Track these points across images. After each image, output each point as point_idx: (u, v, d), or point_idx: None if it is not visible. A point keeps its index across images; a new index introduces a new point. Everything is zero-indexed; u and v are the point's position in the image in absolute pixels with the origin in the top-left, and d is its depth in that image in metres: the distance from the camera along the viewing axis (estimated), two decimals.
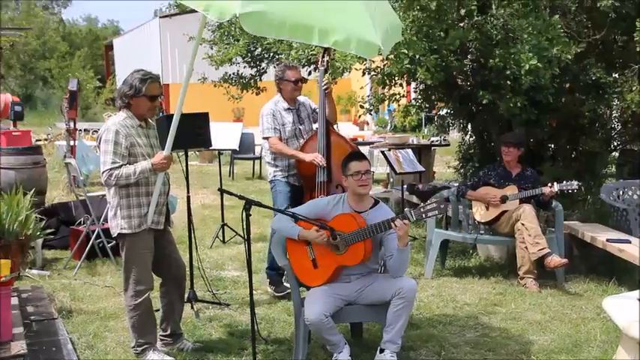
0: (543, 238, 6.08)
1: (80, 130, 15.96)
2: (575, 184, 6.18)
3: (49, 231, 7.10)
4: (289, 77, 5.88)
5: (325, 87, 5.76)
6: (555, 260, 5.96)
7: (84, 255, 6.95)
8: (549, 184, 6.23)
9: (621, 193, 7.21)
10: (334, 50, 6.37)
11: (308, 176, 5.77)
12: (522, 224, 6.12)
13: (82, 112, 26.01)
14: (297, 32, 3.59)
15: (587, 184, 7.78)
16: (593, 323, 5.21)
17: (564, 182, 6.20)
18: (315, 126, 5.96)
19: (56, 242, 7.71)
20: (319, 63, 5.90)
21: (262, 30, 3.55)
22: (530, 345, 4.83)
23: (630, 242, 6.02)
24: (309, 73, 8.45)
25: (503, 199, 6.36)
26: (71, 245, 7.41)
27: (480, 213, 6.55)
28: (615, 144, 8.15)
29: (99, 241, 7.04)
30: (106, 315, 5.52)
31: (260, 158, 13.87)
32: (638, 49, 6.34)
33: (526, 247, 6.10)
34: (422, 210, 4.27)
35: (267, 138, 5.90)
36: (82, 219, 7.42)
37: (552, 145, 7.89)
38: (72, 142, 11.54)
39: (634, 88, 6.52)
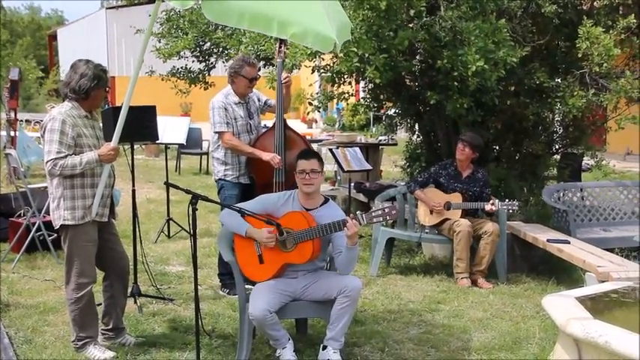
0: (464, 262, 6.28)
1: (21, 120, 15.55)
2: (516, 204, 6.29)
3: None
4: (246, 74, 5.71)
5: (285, 80, 5.69)
6: (461, 282, 6.26)
7: (23, 248, 6.79)
8: (491, 202, 6.31)
9: (562, 195, 7.41)
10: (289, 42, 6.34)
11: (261, 175, 5.68)
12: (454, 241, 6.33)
13: (23, 102, 25.35)
14: (257, 22, 3.70)
15: (530, 185, 7.96)
16: (533, 321, 5.33)
17: (506, 201, 6.31)
18: (268, 122, 5.86)
19: None
20: (276, 55, 5.81)
21: (223, 18, 3.67)
22: (472, 342, 4.91)
23: (569, 243, 6.18)
24: (259, 69, 8.41)
25: (447, 207, 6.45)
26: (10, 237, 7.22)
27: (424, 217, 6.62)
28: (557, 147, 8.34)
29: (39, 233, 6.88)
30: (46, 309, 5.40)
31: (207, 154, 13.74)
32: (579, 55, 6.51)
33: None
34: (373, 214, 4.30)
35: (219, 133, 5.70)
36: (22, 211, 7.24)
37: (497, 147, 8.04)
38: (12, 133, 11.24)
39: (575, 93, 6.68)
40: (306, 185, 4.43)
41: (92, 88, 4.35)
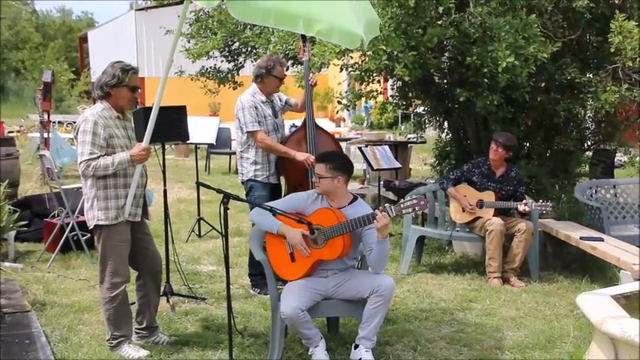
0: (497, 262, 6.21)
1: (54, 122, 15.79)
2: (549, 205, 6.21)
3: (22, 223, 7.05)
4: (279, 74, 5.72)
5: (311, 80, 5.70)
6: (492, 282, 6.20)
7: (58, 248, 6.88)
8: (524, 202, 6.24)
9: (594, 191, 7.32)
10: (311, 39, 6.34)
11: (293, 175, 5.69)
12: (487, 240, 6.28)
13: (55, 104, 25.71)
14: (282, 20, 3.70)
15: (562, 182, 7.87)
16: (567, 319, 5.27)
17: (540, 202, 6.23)
18: (297, 121, 5.86)
19: (29, 235, 7.62)
20: (301, 53, 5.81)
21: (248, 16, 3.68)
22: (505, 341, 4.88)
23: (603, 240, 6.10)
24: (287, 68, 8.43)
25: (480, 205, 6.40)
26: (45, 238, 7.33)
27: (455, 214, 6.57)
28: (589, 143, 8.23)
29: (73, 234, 6.97)
30: (81, 308, 5.47)
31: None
32: (612, 50, 6.42)
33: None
34: (402, 206, 4.28)
35: (251, 132, 5.66)
36: (57, 211, 7.34)
37: (527, 144, 7.95)
38: (46, 134, 11.41)
39: (608, 89, 6.59)
40: (316, 187, 4.53)
41: (108, 85, 4.39)
